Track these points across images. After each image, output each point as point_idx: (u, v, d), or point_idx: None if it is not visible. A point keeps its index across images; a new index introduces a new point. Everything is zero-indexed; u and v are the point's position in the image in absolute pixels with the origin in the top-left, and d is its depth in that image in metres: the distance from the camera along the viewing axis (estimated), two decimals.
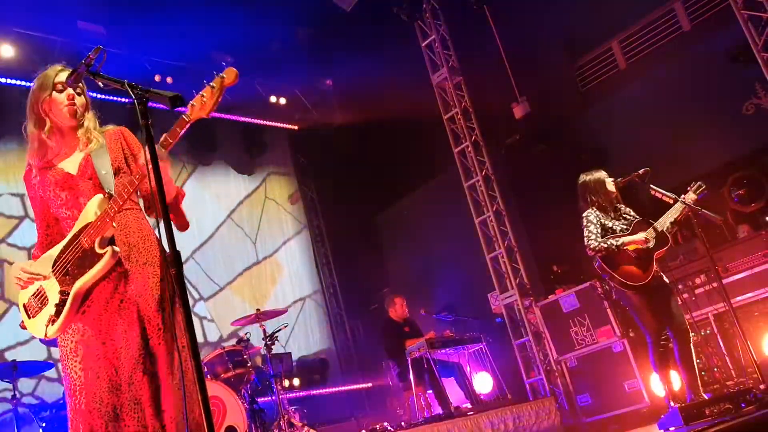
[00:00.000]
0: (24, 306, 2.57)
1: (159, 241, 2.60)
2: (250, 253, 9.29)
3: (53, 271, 2.49)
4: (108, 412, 2.32)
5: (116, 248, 2.43)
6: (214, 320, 8.49)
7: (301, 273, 9.83)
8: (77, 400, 2.37)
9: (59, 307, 2.43)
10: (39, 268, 2.54)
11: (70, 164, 2.61)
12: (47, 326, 2.43)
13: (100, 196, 2.50)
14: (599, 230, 4.59)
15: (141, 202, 2.70)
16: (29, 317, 2.54)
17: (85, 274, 2.41)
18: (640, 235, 4.49)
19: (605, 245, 4.50)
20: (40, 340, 2.56)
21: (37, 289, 2.54)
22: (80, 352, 2.41)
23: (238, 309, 8.57)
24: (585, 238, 4.59)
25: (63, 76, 2.58)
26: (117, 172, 2.60)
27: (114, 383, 2.35)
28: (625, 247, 4.49)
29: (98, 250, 2.41)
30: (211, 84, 2.25)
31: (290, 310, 8.51)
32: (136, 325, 2.39)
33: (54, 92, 2.57)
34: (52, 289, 2.48)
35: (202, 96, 2.27)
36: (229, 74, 2.25)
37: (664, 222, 4.57)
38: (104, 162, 2.58)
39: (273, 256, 9.57)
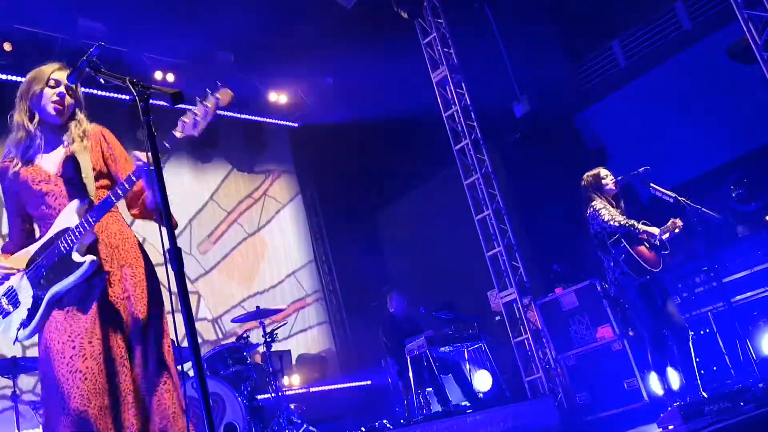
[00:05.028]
0: None
1: (139, 243, 2.60)
2: (249, 248, 9.31)
3: (26, 272, 2.42)
4: (95, 414, 2.23)
5: (94, 258, 2.38)
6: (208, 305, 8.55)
7: (302, 272, 9.83)
8: (64, 401, 2.24)
9: (32, 311, 2.35)
10: (14, 264, 2.48)
11: (51, 162, 2.56)
12: (19, 330, 2.36)
13: (77, 202, 2.47)
14: None
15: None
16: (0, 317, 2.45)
17: (61, 281, 2.35)
18: (656, 229, 4.64)
19: (629, 222, 4.58)
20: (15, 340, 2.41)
21: (9, 288, 2.45)
22: (67, 353, 2.29)
23: (235, 296, 8.68)
24: (604, 216, 4.64)
25: (59, 75, 2.56)
26: (97, 177, 2.57)
27: (100, 384, 2.27)
28: (640, 232, 4.61)
29: (76, 259, 2.36)
30: (206, 104, 2.26)
31: (290, 308, 8.52)
32: (120, 327, 2.37)
33: (46, 87, 2.55)
34: (25, 290, 2.40)
35: (195, 115, 2.27)
36: (224, 96, 2.28)
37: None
38: (86, 164, 2.54)
39: (273, 256, 9.57)
